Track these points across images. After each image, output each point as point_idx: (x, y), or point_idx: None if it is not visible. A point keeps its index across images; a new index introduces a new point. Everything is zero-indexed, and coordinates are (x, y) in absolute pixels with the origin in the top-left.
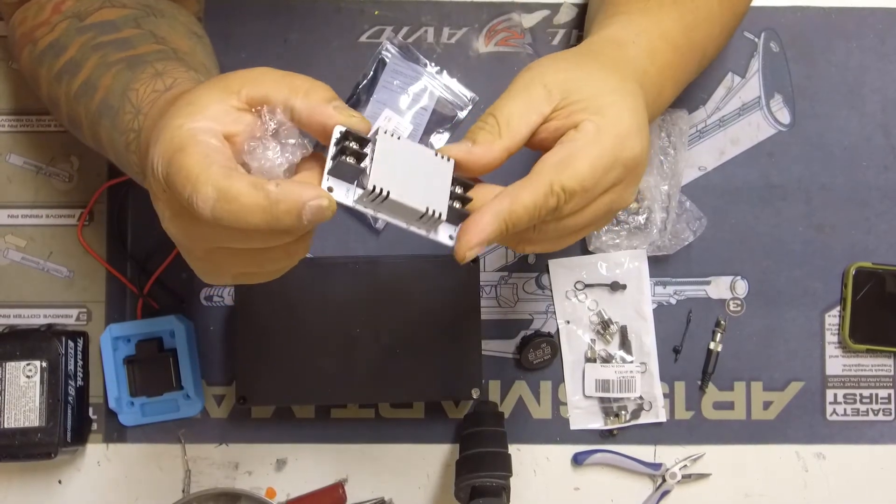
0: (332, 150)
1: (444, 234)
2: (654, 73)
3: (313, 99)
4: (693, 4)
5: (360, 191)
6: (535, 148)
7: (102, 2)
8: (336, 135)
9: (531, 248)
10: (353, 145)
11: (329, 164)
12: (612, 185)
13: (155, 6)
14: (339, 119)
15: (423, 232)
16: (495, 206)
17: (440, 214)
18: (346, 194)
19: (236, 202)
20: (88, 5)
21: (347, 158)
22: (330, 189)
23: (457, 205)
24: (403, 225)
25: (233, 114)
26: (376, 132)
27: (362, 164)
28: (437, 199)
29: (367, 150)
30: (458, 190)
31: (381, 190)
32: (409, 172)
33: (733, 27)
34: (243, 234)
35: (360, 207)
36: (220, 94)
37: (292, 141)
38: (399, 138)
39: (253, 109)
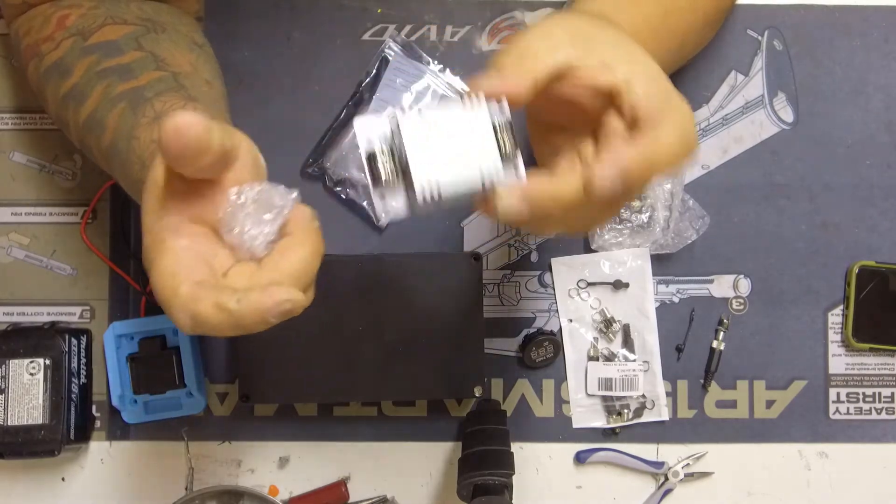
0: (368, 178)
1: (512, 179)
2: None
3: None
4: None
5: (416, 190)
6: (548, 106)
7: (105, 17)
8: (364, 152)
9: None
10: (384, 162)
11: (375, 195)
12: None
13: (156, 18)
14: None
15: (489, 190)
16: (631, 148)
17: (498, 171)
18: (404, 208)
19: (208, 324)
20: (92, 21)
21: (384, 177)
22: (382, 196)
23: (507, 147)
24: (471, 196)
25: (206, 195)
26: (395, 119)
27: (402, 166)
28: (487, 156)
29: (396, 143)
30: (505, 136)
31: (432, 195)
32: (448, 150)
33: (717, 19)
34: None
35: (425, 212)
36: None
37: (268, 216)
38: (417, 112)
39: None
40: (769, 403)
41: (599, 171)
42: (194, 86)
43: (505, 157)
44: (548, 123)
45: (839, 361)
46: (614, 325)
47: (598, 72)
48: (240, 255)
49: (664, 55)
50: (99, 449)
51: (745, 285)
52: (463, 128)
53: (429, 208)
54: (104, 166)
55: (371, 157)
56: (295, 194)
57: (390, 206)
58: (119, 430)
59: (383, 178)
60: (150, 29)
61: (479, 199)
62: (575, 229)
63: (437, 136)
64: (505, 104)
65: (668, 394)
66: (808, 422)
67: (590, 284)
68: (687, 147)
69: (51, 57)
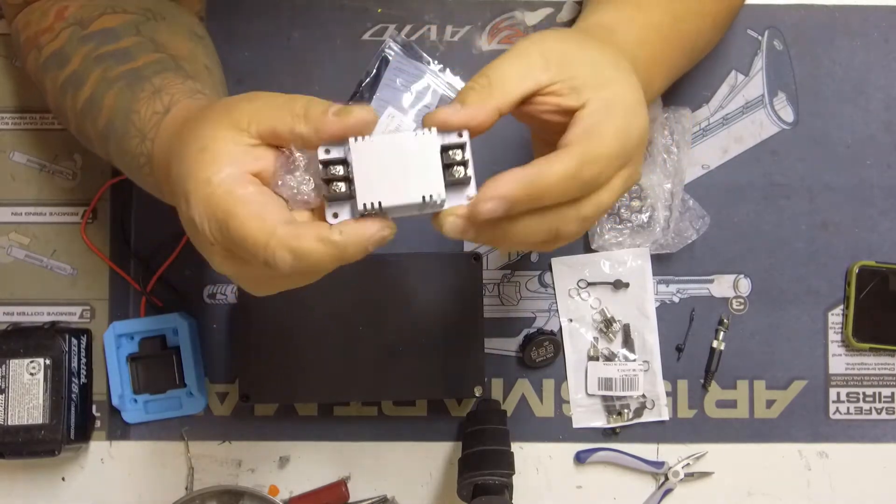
0: (321, 184)
1: (459, 202)
2: (643, 61)
3: (312, 118)
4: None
5: (359, 208)
6: (528, 120)
7: (104, 8)
8: (321, 158)
9: (562, 242)
10: (337, 170)
11: (323, 197)
12: (628, 160)
13: (156, 9)
14: (342, 124)
15: (439, 210)
16: (519, 172)
17: (439, 195)
18: (350, 216)
19: (311, 257)
20: (91, 11)
21: (334, 186)
22: (335, 215)
23: (459, 171)
24: (417, 213)
25: (250, 152)
26: (347, 146)
27: (351, 182)
28: (431, 180)
29: (350, 163)
30: (458, 156)
31: (372, 204)
32: (391, 170)
33: (726, 22)
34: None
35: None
36: (230, 133)
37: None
38: (370, 139)
39: (276, 147)
40: (769, 403)
41: (480, 193)
42: (193, 69)
43: (453, 181)
44: (544, 138)
45: (839, 361)
46: (614, 324)
47: (564, 95)
48: (292, 206)
49: (675, 61)
50: (99, 449)
51: (745, 285)
52: (412, 154)
53: (374, 217)
54: (100, 150)
55: (326, 163)
56: None
57: (334, 214)
58: (119, 429)
59: (333, 187)
60: (149, 18)
61: (432, 218)
62: (535, 247)
63: (382, 161)
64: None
65: (668, 394)
66: (808, 422)
67: (590, 284)
68: (591, 183)
69: (50, 47)
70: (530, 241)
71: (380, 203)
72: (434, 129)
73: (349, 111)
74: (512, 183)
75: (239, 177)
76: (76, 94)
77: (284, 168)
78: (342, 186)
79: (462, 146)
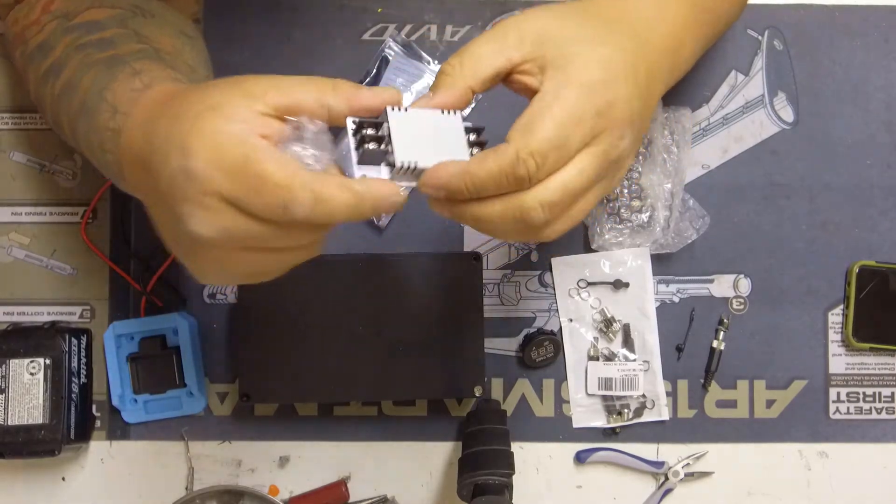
0: (352, 141)
1: None
2: (664, 24)
3: (343, 91)
4: None
5: (389, 169)
6: (519, 93)
7: (91, 2)
8: (351, 126)
9: (553, 231)
10: (370, 131)
11: (354, 155)
12: (592, 137)
13: (145, 7)
14: (381, 97)
15: None
16: (455, 166)
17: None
18: (379, 177)
19: (330, 203)
20: (77, 5)
21: (369, 145)
22: (363, 176)
23: (475, 150)
24: None
25: (260, 119)
26: (385, 112)
27: (382, 147)
28: (458, 152)
29: (383, 130)
30: (473, 137)
31: (410, 163)
32: (426, 138)
33: None
34: (287, 233)
35: (396, 184)
36: (243, 98)
37: (328, 145)
38: (406, 110)
39: (285, 118)
40: (769, 403)
41: (424, 176)
42: (175, 64)
43: (472, 155)
44: None
45: (839, 361)
46: (614, 324)
47: (533, 75)
48: None
49: (703, 24)
50: (99, 449)
51: (745, 285)
52: (441, 128)
53: (400, 181)
54: (70, 136)
55: (360, 125)
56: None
57: (368, 170)
58: (119, 429)
59: (369, 146)
60: (136, 13)
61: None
62: (515, 236)
63: (419, 130)
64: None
65: (668, 393)
66: (808, 422)
67: (590, 284)
68: (533, 176)
69: (35, 40)
70: (501, 227)
71: (416, 163)
72: (458, 112)
73: (384, 90)
74: (446, 175)
75: (251, 131)
76: (55, 82)
77: (292, 137)
78: (374, 146)
79: (479, 130)
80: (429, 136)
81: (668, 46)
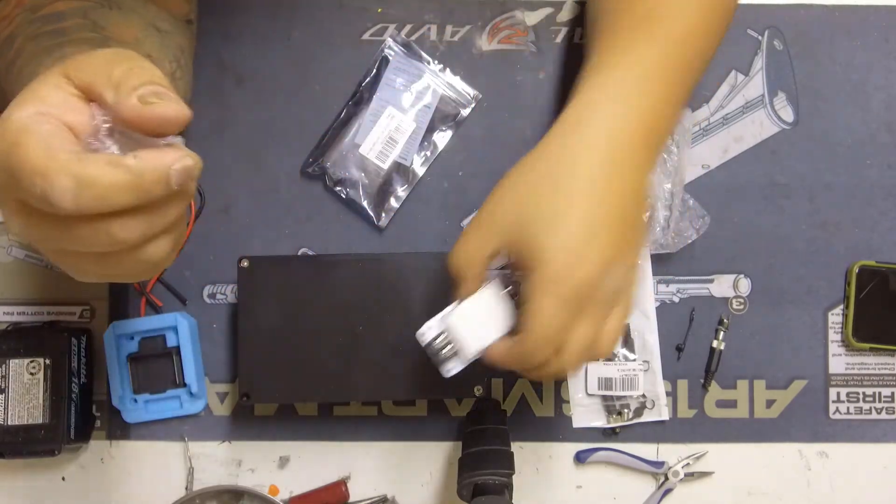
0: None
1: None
2: (638, 114)
3: (122, 90)
4: (678, 24)
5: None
6: None
7: None
8: (104, 126)
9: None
10: (442, 345)
11: (442, 364)
12: (580, 312)
13: (121, 1)
14: (139, 115)
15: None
16: (499, 348)
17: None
18: (459, 366)
19: (98, 185)
20: None
21: (445, 354)
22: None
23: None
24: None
25: (72, 101)
26: (444, 317)
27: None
28: (504, 322)
29: (449, 331)
30: (510, 289)
31: (478, 353)
32: (479, 322)
33: (726, 25)
34: (71, 232)
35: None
36: (58, 79)
37: (145, 139)
38: (456, 308)
39: (88, 101)
40: (769, 403)
41: (488, 353)
42: None
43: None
44: None
45: (839, 361)
46: None
47: (518, 257)
48: None
49: (684, 85)
50: (99, 448)
51: (745, 285)
52: (483, 305)
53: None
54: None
55: (430, 344)
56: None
57: (448, 368)
58: (119, 429)
59: (444, 354)
60: (102, 5)
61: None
62: (543, 375)
63: (472, 316)
64: None
65: (668, 393)
66: (808, 421)
67: None
68: (535, 360)
69: (3, 34)
70: (536, 374)
71: (481, 348)
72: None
73: (158, 101)
74: (496, 354)
75: (45, 115)
76: (10, 74)
77: (92, 126)
78: (445, 348)
79: (517, 283)
80: (480, 319)
81: (647, 127)
